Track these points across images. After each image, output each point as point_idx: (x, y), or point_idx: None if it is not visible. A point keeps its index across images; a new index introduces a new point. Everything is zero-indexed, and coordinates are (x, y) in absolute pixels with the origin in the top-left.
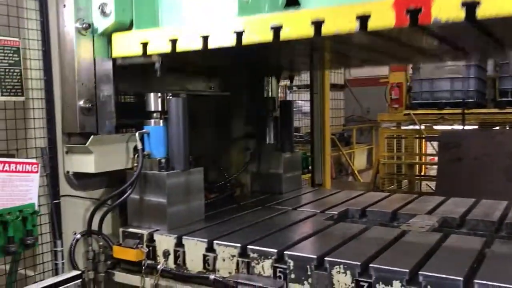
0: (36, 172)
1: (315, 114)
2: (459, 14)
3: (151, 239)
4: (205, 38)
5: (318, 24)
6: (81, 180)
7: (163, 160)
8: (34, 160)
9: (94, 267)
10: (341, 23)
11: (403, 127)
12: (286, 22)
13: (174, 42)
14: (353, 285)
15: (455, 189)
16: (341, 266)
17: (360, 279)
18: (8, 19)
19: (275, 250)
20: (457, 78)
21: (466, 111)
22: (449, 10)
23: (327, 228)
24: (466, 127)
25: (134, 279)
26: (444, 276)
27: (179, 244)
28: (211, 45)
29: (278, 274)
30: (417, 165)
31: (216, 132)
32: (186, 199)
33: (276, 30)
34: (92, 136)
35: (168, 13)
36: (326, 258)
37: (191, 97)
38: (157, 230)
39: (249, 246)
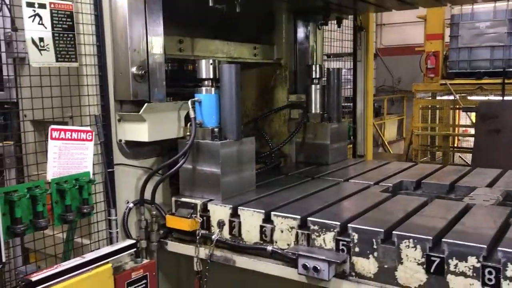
0: (91, 140)
1: (358, 82)
2: None
3: (205, 209)
4: None
5: None
6: (133, 148)
7: (216, 129)
8: (88, 128)
9: (147, 236)
10: None
11: (438, 98)
12: None
13: None
14: (423, 260)
15: (492, 162)
16: (411, 240)
17: (431, 254)
18: None
19: (338, 223)
20: (498, 46)
21: (506, 81)
22: None
23: (386, 200)
24: (506, 98)
25: (187, 249)
26: None
27: (235, 214)
28: None
29: (341, 247)
30: (451, 137)
31: (259, 101)
32: (238, 169)
33: None
34: (146, 104)
35: None
36: (394, 232)
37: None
38: (210, 200)
39: (309, 218)
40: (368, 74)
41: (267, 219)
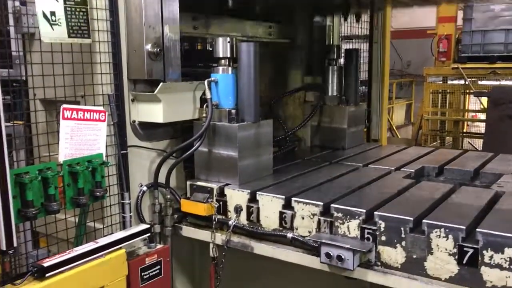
0: (104, 120)
1: (374, 65)
2: None
3: (221, 194)
4: None
5: None
6: (147, 130)
7: (233, 111)
8: (101, 108)
9: (161, 221)
10: None
11: (449, 82)
12: None
13: None
14: (455, 250)
15: (503, 148)
16: (442, 229)
17: (464, 244)
18: None
19: (364, 210)
20: None
21: None
22: None
23: (410, 187)
24: None
25: (203, 234)
26: None
27: (253, 199)
28: None
29: (366, 235)
30: (461, 122)
31: (274, 82)
32: (256, 153)
33: None
34: (161, 83)
35: None
36: (424, 221)
37: None
38: (227, 184)
39: (333, 205)
40: (385, 57)
41: (287, 205)
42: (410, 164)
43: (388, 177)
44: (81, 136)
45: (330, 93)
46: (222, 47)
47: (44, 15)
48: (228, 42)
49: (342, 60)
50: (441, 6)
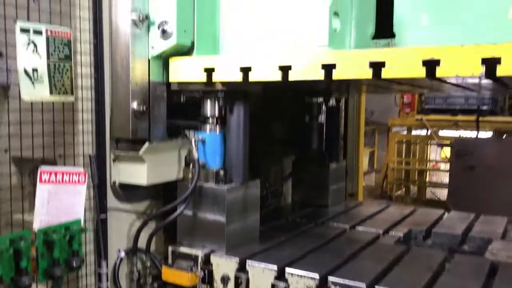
0: (84, 183)
1: (349, 119)
2: None
3: (207, 261)
4: (286, 70)
5: (431, 65)
6: (127, 190)
7: (221, 172)
8: (81, 169)
9: None
10: (463, 66)
11: (413, 132)
12: (389, 59)
13: (246, 70)
14: None
15: (468, 198)
16: None
17: None
18: (60, 5)
19: (364, 284)
20: None
21: (480, 119)
22: None
23: (404, 255)
24: (481, 135)
25: None
26: None
27: (242, 268)
28: (293, 77)
29: None
30: (425, 172)
31: (253, 137)
32: (243, 216)
33: (377, 67)
34: (147, 143)
35: (233, 39)
36: None
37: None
38: (212, 251)
39: (330, 278)
40: (361, 112)
41: (281, 276)
42: (397, 226)
43: (379, 243)
44: (59, 201)
45: (311, 149)
46: (210, 106)
47: (26, 72)
48: (217, 101)
49: (323, 116)
50: None
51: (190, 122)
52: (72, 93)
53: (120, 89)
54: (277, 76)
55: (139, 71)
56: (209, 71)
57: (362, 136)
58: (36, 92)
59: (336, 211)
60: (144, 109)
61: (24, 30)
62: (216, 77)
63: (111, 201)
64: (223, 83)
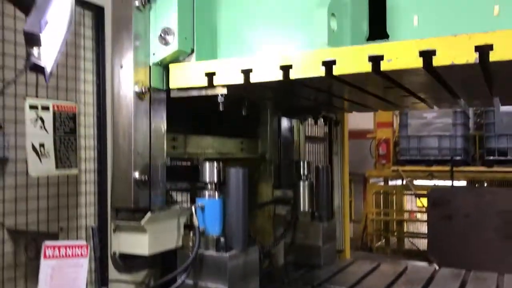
0: (86, 255)
1: (335, 176)
2: None
3: None
4: (286, 69)
5: (428, 55)
6: (127, 260)
7: (222, 239)
8: (83, 242)
9: None
10: (458, 54)
11: (390, 183)
12: (387, 52)
13: (247, 72)
14: None
15: (446, 248)
16: None
17: None
18: (66, 81)
19: None
20: (445, 136)
21: (454, 169)
22: None
23: None
24: (456, 184)
25: None
26: None
27: None
28: (294, 75)
29: None
30: (404, 222)
31: None
32: (244, 283)
33: (376, 60)
34: (149, 213)
35: (232, 43)
36: None
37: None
38: None
39: None
40: (344, 168)
41: None
42: (393, 286)
43: None
44: (62, 276)
45: (302, 209)
46: (209, 172)
47: (34, 148)
48: (215, 166)
49: (313, 175)
50: (378, 113)
51: (187, 186)
52: (76, 166)
53: (121, 159)
54: (278, 76)
55: (141, 141)
56: (210, 75)
57: (347, 194)
58: (43, 167)
59: (330, 271)
60: (146, 178)
61: (33, 107)
62: (217, 81)
63: (112, 273)
64: (224, 86)
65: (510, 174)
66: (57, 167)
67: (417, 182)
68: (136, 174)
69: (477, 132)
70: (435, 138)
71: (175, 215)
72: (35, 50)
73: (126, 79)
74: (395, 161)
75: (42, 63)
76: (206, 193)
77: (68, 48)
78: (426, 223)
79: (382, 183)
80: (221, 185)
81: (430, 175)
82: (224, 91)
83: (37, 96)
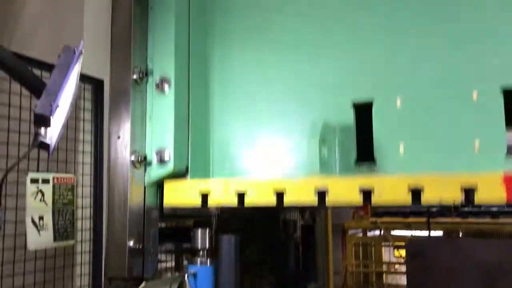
0: None
1: (318, 234)
2: None
3: None
4: (280, 195)
5: (416, 192)
6: None
7: None
8: None
9: None
10: (445, 193)
11: (369, 234)
12: (377, 186)
13: (241, 195)
14: None
15: None
16: None
17: None
18: (66, 153)
19: None
20: None
21: (431, 220)
22: None
23: None
24: (433, 235)
25: None
26: None
27: None
28: (288, 202)
29: None
30: (383, 274)
31: None
32: None
33: (366, 193)
34: (144, 283)
35: (225, 164)
36: None
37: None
38: None
39: None
40: (328, 229)
41: None
42: None
43: None
44: None
45: (288, 269)
46: (201, 238)
47: (33, 221)
48: (207, 233)
49: (298, 234)
50: None
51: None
52: (73, 238)
53: (117, 228)
54: (272, 201)
55: (136, 210)
56: (205, 196)
57: (330, 252)
58: (41, 239)
59: None
60: (140, 246)
61: (34, 181)
62: (211, 201)
63: None
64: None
65: (483, 225)
66: (55, 239)
67: (396, 232)
68: (131, 243)
69: None
70: None
71: (167, 283)
72: (42, 130)
73: (122, 149)
74: (373, 212)
75: (48, 141)
76: (198, 260)
77: (68, 121)
78: (405, 275)
79: (361, 234)
80: (213, 251)
81: (408, 226)
82: (217, 211)
83: (38, 170)
